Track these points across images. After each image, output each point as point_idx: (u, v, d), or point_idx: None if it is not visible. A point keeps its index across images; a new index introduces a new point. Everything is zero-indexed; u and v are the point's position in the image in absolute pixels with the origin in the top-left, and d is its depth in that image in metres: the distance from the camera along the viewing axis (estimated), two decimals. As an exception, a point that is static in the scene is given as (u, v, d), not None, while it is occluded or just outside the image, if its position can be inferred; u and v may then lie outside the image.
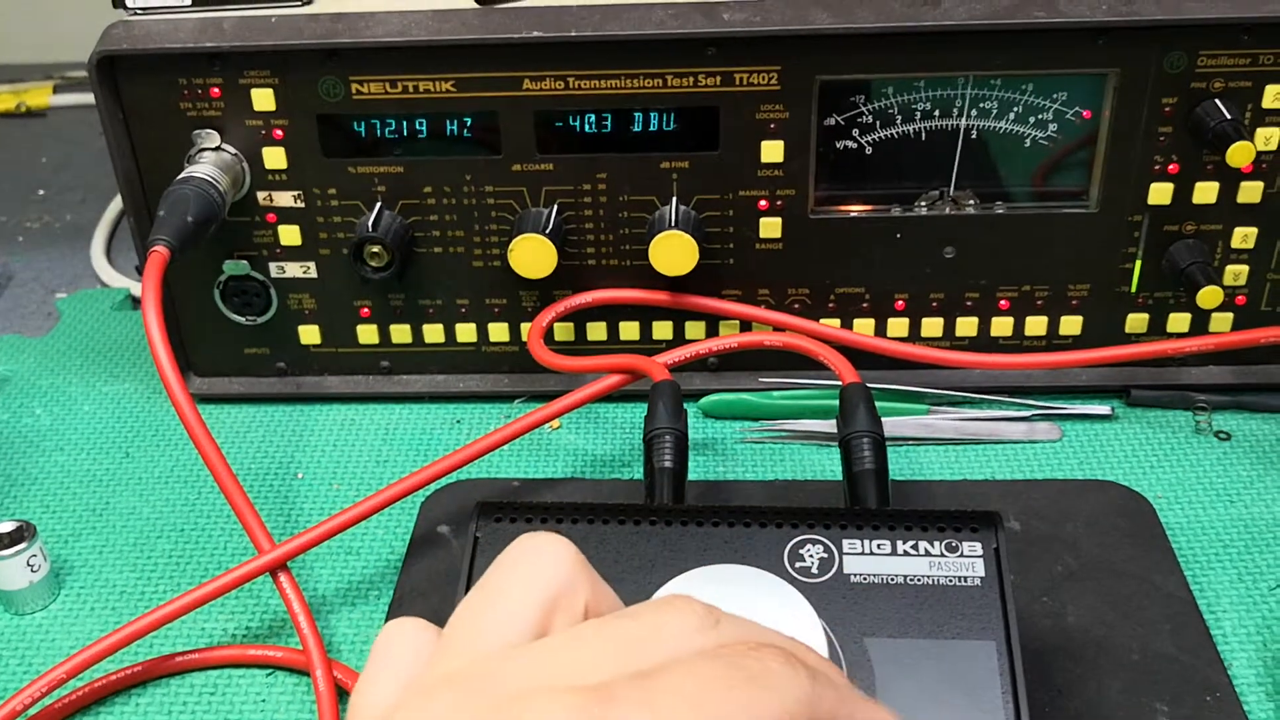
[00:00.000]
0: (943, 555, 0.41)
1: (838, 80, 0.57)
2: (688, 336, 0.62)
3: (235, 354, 0.64)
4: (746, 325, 0.62)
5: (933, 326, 0.62)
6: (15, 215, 0.85)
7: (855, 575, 0.41)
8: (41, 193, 0.88)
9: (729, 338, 0.59)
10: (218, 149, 0.58)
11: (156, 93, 0.57)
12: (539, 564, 0.30)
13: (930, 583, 0.41)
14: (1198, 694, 0.47)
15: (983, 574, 0.41)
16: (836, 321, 0.62)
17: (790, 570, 0.42)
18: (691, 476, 0.55)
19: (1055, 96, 0.57)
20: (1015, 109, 0.57)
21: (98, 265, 0.79)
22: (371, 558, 0.55)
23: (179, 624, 0.52)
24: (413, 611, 0.51)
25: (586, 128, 0.58)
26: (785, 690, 0.26)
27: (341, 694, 0.48)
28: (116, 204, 0.84)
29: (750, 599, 0.39)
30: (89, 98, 0.99)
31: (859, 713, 0.28)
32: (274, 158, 0.59)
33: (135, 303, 0.75)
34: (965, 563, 0.41)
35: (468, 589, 0.44)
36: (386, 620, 0.51)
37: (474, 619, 0.30)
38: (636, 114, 0.57)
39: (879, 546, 0.42)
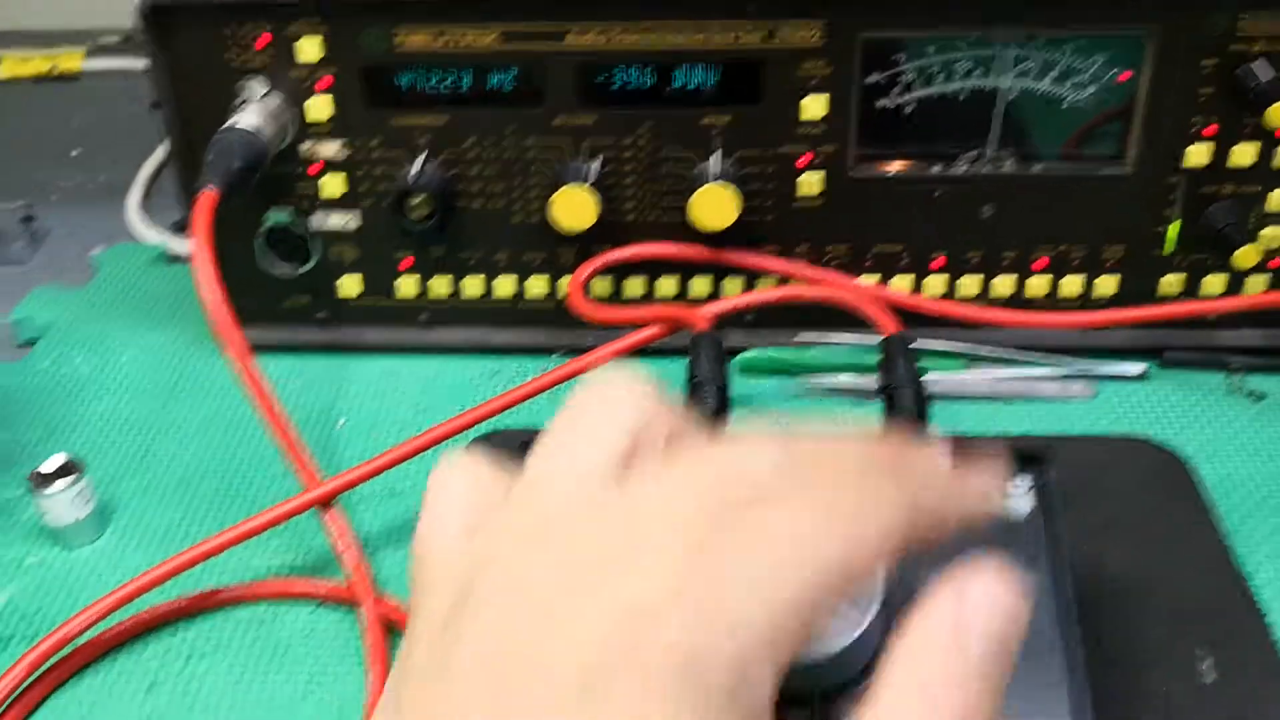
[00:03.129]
0: (990, 491, 0.42)
1: (880, 38, 0.57)
2: (725, 293, 0.63)
3: (276, 305, 0.65)
4: (784, 282, 0.62)
5: (969, 285, 0.62)
6: (50, 174, 0.86)
7: (903, 509, 0.42)
8: (75, 153, 0.89)
9: (770, 291, 0.60)
10: (263, 99, 0.59)
11: (204, 42, 0.58)
12: (623, 395, 0.30)
13: (978, 517, 0.41)
14: (1236, 640, 0.47)
15: (1030, 508, 0.41)
16: (875, 278, 0.62)
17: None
18: (730, 427, 0.55)
19: (1095, 57, 0.58)
20: (1055, 69, 0.58)
21: (132, 222, 0.79)
22: (414, 500, 0.55)
23: (224, 560, 0.52)
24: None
25: (629, 82, 0.58)
26: (880, 514, 0.27)
27: (389, 627, 0.49)
28: (151, 164, 0.85)
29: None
30: (121, 63, 1.00)
31: (937, 490, 0.29)
32: (318, 108, 0.59)
33: (171, 258, 0.76)
34: (1013, 497, 0.42)
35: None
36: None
37: (564, 450, 0.29)
38: (679, 68, 0.58)
39: (926, 482, 0.42)
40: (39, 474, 0.52)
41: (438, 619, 0.27)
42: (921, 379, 0.52)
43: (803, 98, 0.58)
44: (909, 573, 0.39)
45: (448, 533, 0.29)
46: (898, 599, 0.39)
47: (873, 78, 0.58)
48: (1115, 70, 0.58)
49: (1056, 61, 0.58)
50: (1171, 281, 0.62)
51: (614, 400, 0.30)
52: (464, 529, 0.29)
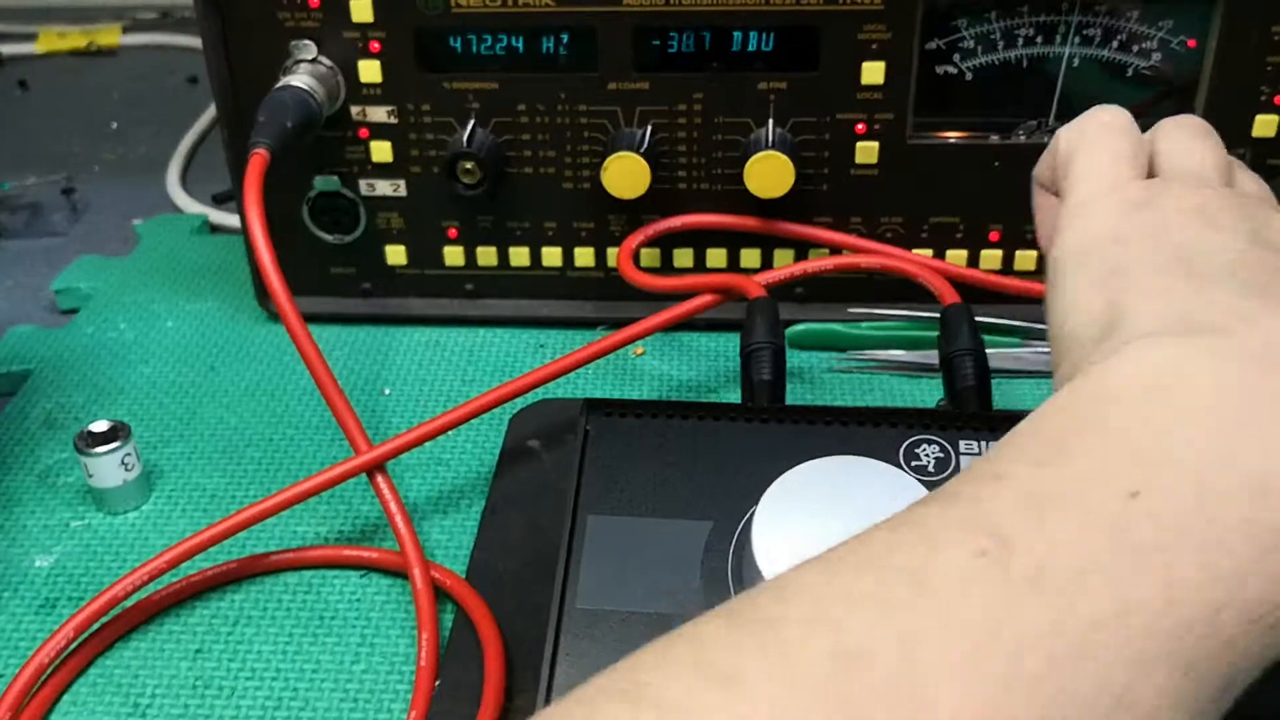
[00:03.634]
0: (1064, 455, 0.41)
1: (941, 1, 0.56)
2: (776, 265, 0.62)
3: (322, 273, 0.64)
4: (837, 253, 0.61)
5: (1026, 259, 0.61)
6: (90, 147, 0.86)
7: (974, 473, 0.41)
8: (115, 126, 0.88)
9: (825, 260, 0.59)
10: (314, 61, 0.58)
11: (256, 2, 0.57)
12: (1208, 130, 0.39)
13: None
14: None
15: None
16: (929, 252, 0.61)
17: (906, 468, 0.42)
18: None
19: (1160, 24, 0.56)
20: (1119, 37, 0.57)
21: (173, 193, 0.79)
22: (461, 469, 0.55)
23: (271, 525, 0.52)
24: (507, 520, 0.51)
25: (685, 46, 0.57)
26: None
27: (439, 593, 0.48)
28: (190, 137, 0.85)
29: (873, 489, 0.39)
30: (158, 38, 1.00)
31: None
32: (369, 71, 0.58)
33: (212, 229, 0.75)
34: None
35: (579, 479, 0.44)
36: (480, 528, 0.51)
37: (1188, 156, 0.37)
38: (736, 33, 0.57)
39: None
40: (88, 433, 0.52)
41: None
42: (984, 345, 0.51)
43: (862, 62, 0.57)
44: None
45: (1114, 176, 0.37)
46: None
47: (932, 43, 0.57)
48: (1181, 37, 0.56)
49: (1120, 28, 0.56)
50: (1234, 256, 0.60)
51: (1209, 129, 0.39)
52: (1123, 176, 0.37)
